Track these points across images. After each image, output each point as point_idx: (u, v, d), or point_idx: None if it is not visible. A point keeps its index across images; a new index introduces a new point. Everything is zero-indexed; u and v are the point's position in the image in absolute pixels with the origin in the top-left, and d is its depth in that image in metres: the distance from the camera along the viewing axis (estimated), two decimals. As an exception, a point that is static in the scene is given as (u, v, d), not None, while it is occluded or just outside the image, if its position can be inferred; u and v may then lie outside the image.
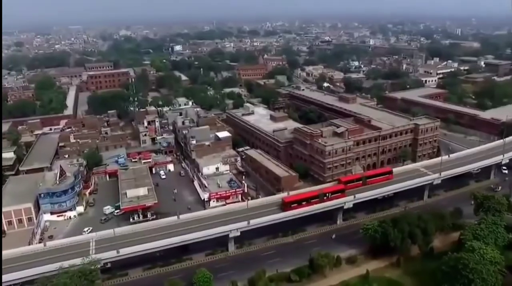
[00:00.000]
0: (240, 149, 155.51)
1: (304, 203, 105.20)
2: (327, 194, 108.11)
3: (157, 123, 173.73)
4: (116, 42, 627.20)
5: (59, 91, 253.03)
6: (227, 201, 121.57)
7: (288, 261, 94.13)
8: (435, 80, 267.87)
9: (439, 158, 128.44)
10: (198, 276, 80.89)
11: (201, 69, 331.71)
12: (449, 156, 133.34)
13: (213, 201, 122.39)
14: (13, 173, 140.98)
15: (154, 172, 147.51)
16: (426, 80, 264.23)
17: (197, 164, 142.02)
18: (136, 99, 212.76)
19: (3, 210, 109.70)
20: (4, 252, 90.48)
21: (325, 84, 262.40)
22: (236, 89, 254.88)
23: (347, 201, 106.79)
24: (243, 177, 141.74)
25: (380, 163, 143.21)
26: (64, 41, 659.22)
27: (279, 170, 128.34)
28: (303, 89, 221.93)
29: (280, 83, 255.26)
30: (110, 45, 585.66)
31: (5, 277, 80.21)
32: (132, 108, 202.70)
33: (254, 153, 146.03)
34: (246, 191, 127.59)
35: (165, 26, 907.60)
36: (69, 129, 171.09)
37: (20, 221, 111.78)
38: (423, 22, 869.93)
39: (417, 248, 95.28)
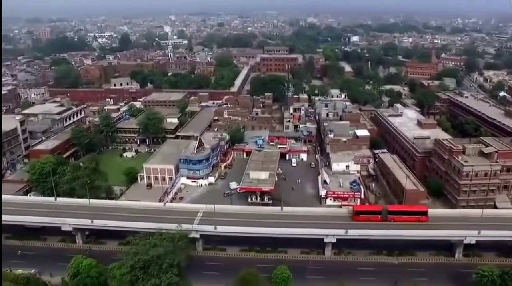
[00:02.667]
0: (377, 151, 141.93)
1: None
2: None
3: (302, 111, 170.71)
4: (300, 28, 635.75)
5: (234, 69, 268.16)
6: (344, 203, 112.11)
7: (383, 284, 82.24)
8: None
9: None
10: (277, 272, 76.02)
11: (370, 62, 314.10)
12: None
13: (330, 200, 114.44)
14: (173, 136, 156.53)
15: (287, 158, 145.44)
16: None
17: (329, 158, 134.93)
18: (292, 85, 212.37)
19: (153, 166, 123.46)
20: (135, 203, 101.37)
21: (501, 93, 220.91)
22: (397, 87, 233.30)
23: (469, 235, 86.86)
24: (372, 181, 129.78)
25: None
26: (256, 24, 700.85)
27: (407, 181, 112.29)
28: (466, 97, 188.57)
29: (444, 87, 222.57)
30: (294, 31, 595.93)
31: (119, 223, 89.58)
32: (287, 93, 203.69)
33: (387, 157, 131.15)
34: (364, 196, 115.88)
35: (351, 16, 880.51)
36: (225, 105, 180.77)
37: (163, 178, 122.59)
38: None
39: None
